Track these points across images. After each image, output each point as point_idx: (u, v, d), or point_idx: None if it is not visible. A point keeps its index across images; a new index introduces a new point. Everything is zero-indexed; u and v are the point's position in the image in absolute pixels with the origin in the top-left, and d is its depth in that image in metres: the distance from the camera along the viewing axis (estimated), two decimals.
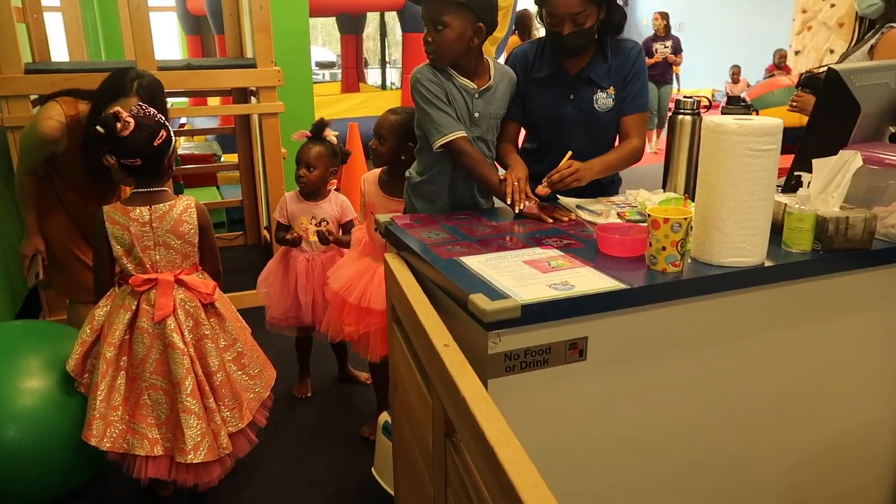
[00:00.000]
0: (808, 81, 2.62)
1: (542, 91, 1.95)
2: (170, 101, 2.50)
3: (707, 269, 1.35)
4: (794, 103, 2.64)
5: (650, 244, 1.34)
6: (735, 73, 10.07)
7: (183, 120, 6.24)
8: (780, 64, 8.97)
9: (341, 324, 2.32)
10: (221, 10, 4.53)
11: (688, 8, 12.99)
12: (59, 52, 4.81)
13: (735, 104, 1.87)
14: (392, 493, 1.97)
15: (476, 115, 1.88)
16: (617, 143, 1.97)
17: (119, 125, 1.79)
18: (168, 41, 9.16)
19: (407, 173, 2.02)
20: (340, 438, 2.42)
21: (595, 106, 1.93)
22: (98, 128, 1.80)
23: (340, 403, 2.67)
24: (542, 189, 1.75)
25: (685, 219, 1.30)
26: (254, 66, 3.36)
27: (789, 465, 1.60)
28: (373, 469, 2.12)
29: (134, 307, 1.87)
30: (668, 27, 8.33)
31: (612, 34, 1.91)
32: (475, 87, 1.87)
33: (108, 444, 1.84)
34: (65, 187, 2.46)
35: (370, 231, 2.33)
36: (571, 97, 1.94)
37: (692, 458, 1.46)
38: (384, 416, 2.06)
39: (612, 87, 1.91)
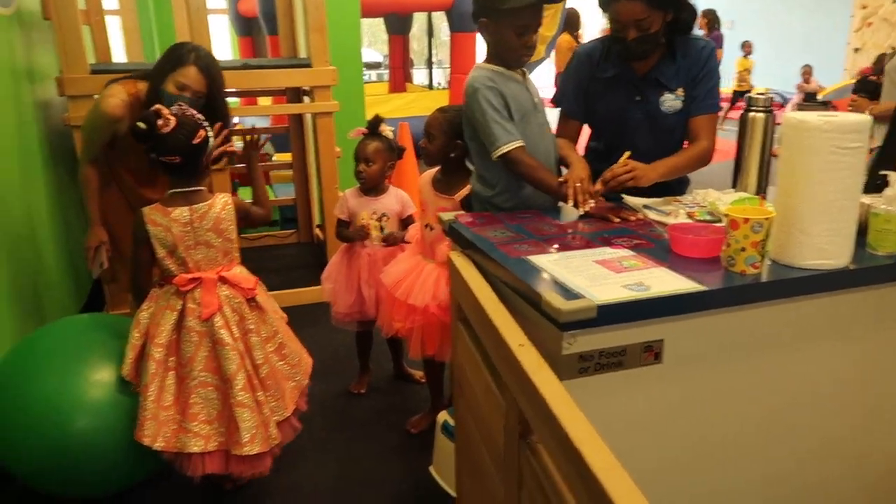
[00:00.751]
0: (861, 85, 2.57)
1: (607, 91, 1.91)
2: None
3: (788, 272, 1.31)
4: (850, 108, 2.57)
5: (728, 245, 1.31)
6: (806, 73, 9.55)
7: (235, 119, 6.34)
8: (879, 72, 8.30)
9: (392, 319, 2.32)
10: (273, 12, 4.59)
11: (740, 5, 12.68)
12: (117, 55, 4.94)
13: (812, 101, 1.80)
14: (450, 491, 1.97)
15: (536, 100, 1.87)
16: (686, 145, 1.92)
17: (160, 122, 1.81)
18: (220, 43, 9.35)
19: (473, 187, 1.98)
20: (397, 436, 2.43)
21: (661, 108, 1.88)
22: (140, 124, 1.82)
23: (396, 401, 2.68)
24: (596, 187, 1.71)
25: (766, 219, 1.26)
26: (309, 65, 3.39)
27: (873, 473, 1.53)
28: (431, 468, 2.12)
29: (179, 307, 1.89)
30: (709, 25, 8.09)
31: (682, 34, 1.86)
32: (520, 77, 1.86)
33: (161, 444, 1.86)
34: (125, 173, 2.47)
35: (420, 228, 2.33)
36: (637, 99, 1.89)
37: (770, 463, 1.41)
38: (443, 416, 2.05)
39: (680, 89, 1.86)
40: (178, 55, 2.28)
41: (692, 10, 1.83)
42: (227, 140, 2.32)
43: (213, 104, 2.28)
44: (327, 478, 2.22)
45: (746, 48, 9.81)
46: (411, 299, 2.21)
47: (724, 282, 1.27)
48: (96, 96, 3.03)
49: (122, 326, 2.02)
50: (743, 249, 1.28)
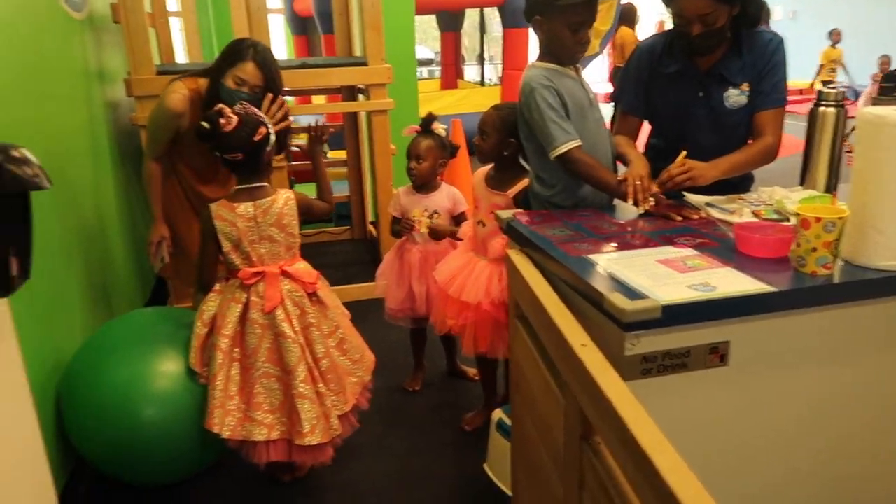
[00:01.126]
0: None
1: (670, 87, 1.88)
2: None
3: (862, 273, 1.26)
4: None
5: (798, 244, 1.27)
6: (884, 64, 8.86)
7: (290, 118, 6.46)
8: None
9: (445, 316, 2.33)
10: (328, 11, 4.65)
11: None
12: (178, 56, 5.08)
13: (889, 94, 1.73)
14: (504, 489, 1.97)
15: (591, 96, 1.85)
16: (750, 141, 1.87)
17: (223, 121, 1.86)
18: (275, 42, 9.52)
19: (531, 187, 1.97)
20: (451, 433, 2.44)
21: (726, 104, 1.83)
22: (203, 123, 1.88)
23: (450, 398, 2.69)
24: (653, 189, 1.68)
25: (840, 218, 1.22)
26: (365, 63, 3.42)
27: None
28: (485, 465, 2.12)
29: (244, 300, 1.94)
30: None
31: (749, 27, 1.80)
32: (574, 74, 1.84)
33: (227, 433, 1.91)
34: (185, 169, 2.53)
35: (473, 225, 2.33)
36: (700, 94, 1.85)
37: (840, 471, 1.37)
38: (497, 413, 2.05)
39: (746, 83, 1.80)
40: (237, 51, 2.34)
41: (759, 4, 1.77)
42: (285, 118, 2.37)
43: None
44: (382, 473, 2.24)
45: (835, 36, 9.05)
46: (464, 296, 2.22)
47: (794, 283, 1.24)
48: None
49: (187, 319, 2.09)
50: (814, 249, 1.24)
